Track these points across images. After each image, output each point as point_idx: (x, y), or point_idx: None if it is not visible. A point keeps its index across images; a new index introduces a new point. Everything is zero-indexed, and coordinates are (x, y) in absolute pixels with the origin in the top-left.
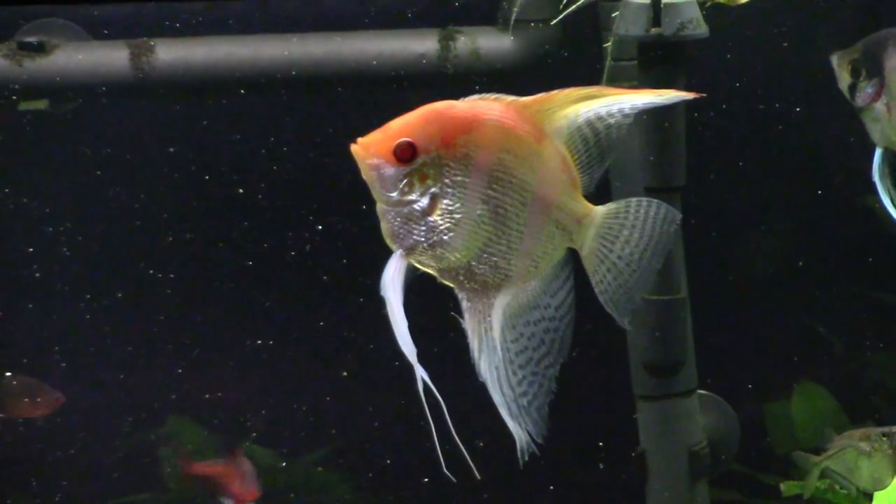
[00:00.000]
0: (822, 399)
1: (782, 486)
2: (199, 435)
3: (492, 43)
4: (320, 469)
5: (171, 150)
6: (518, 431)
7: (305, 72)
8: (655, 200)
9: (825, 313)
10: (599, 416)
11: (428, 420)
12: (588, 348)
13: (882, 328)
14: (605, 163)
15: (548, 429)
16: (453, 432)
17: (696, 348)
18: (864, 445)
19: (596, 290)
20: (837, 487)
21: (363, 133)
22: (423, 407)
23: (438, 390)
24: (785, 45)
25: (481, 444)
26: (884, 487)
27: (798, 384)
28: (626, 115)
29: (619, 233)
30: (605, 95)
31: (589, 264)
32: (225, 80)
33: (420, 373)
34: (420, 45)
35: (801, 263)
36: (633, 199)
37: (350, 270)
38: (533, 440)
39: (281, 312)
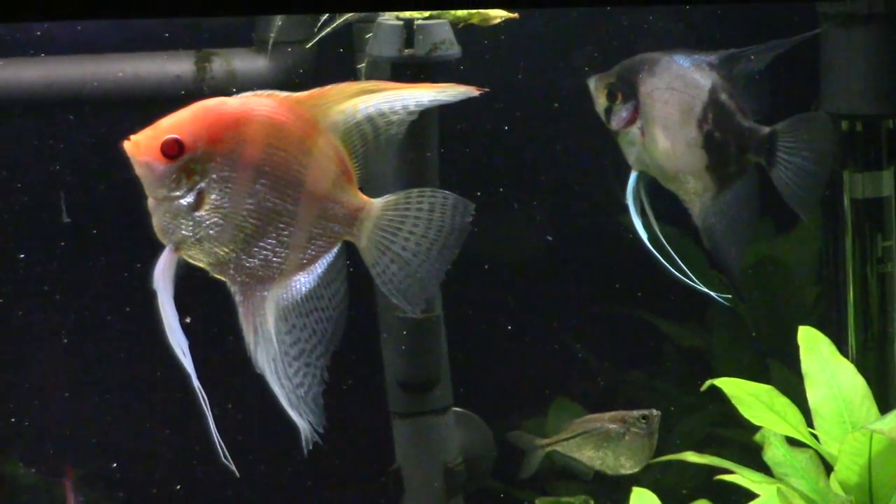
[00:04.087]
0: (578, 415)
1: (537, 502)
2: None
3: (248, 64)
4: (81, 488)
5: None
6: (300, 422)
7: (62, 94)
8: (443, 191)
9: (581, 331)
10: (355, 433)
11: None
12: (343, 365)
13: (635, 346)
14: (384, 157)
15: (327, 419)
16: (215, 432)
17: (453, 366)
18: (618, 427)
19: (377, 281)
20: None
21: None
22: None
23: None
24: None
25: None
26: (633, 470)
27: (554, 401)
28: (410, 113)
29: (402, 224)
30: (383, 90)
31: (368, 256)
32: None
33: (189, 366)
34: (176, 66)
35: (558, 281)
36: (416, 190)
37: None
38: (315, 430)
39: (43, 324)
